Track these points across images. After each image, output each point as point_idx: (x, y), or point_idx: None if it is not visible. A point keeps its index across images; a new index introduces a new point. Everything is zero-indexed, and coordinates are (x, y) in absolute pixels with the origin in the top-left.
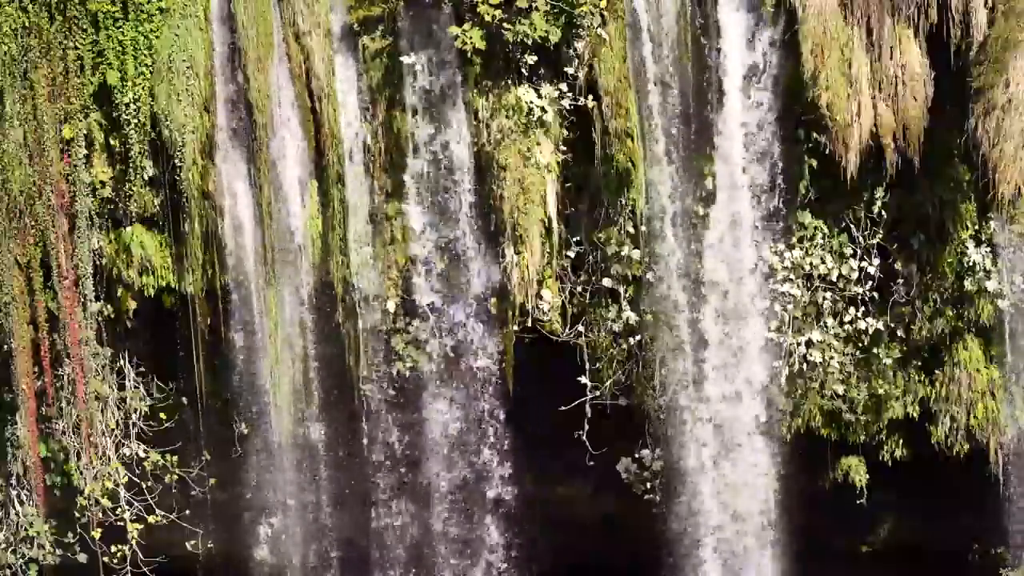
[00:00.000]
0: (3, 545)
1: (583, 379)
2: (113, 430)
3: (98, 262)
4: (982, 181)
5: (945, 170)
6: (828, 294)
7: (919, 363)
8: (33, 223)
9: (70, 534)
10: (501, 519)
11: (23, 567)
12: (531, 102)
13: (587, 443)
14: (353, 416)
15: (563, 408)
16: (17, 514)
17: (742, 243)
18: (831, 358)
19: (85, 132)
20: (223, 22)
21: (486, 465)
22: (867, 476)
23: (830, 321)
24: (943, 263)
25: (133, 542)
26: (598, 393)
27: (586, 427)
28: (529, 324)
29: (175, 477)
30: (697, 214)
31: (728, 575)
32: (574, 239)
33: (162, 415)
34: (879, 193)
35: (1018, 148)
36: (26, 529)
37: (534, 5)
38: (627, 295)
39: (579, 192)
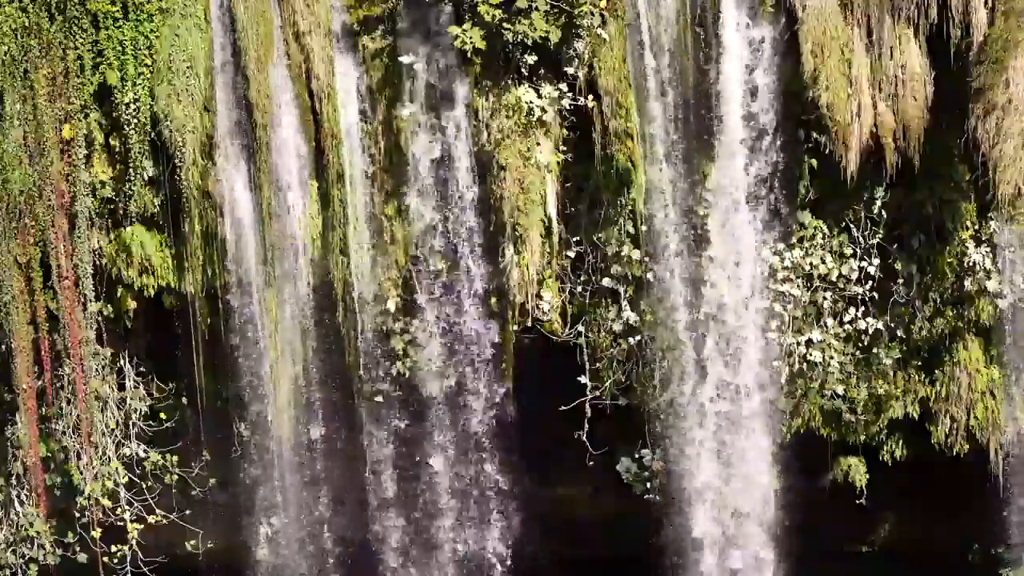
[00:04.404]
0: (3, 545)
1: (583, 379)
2: (113, 430)
3: (98, 262)
4: (982, 181)
5: (945, 170)
6: (828, 294)
7: (919, 363)
8: (33, 223)
9: (70, 534)
10: (501, 519)
11: (23, 567)
12: (531, 102)
13: (587, 443)
14: (353, 416)
15: (563, 408)
16: (17, 514)
17: (742, 243)
18: (831, 358)
19: (85, 132)
20: (223, 22)
21: (486, 465)
22: (867, 476)
23: (830, 321)
24: (943, 263)
25: (133, 542)
26: (598, 393)
27: (586, 427)
28: (529, 324)
29: (175, 477)
30: (697, 214)
31: (728, 575)
32: (574, 239)
33: (162, 415)
34: (879, 193)
35: (1018, 148)
36: (26, 529)
37: (534, 5)
38: (627, 295)
39: (579, 192)
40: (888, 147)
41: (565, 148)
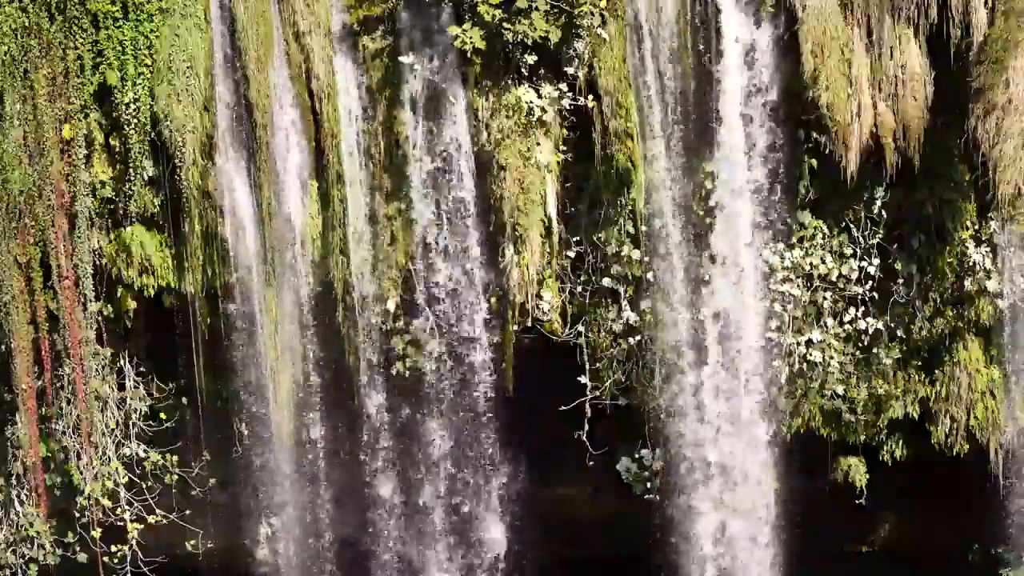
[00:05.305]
0: (3, 545)
1: (583, 379)
2: (113, 430)
3: (98, 262)
4: (982, 181)
5: (945, 170)
6: (828, 294)
7: (919, 363)
8: (33, 223)
9: (70, 534)
10: (502, 519)
11: (23, 567)
12: (531, 102)
13: (587, 443)
14: (353, 416)
15: (563, 408)
16: (17, 514)
17: (742, 242)
18: (831, 358)
19: (85, 132)
20: (223, 22)
21: (486, 465)
22: (867, 476)
23: (830, 321)
24: (943, 263)
25: (133, 542)
26: (598, 393)
27: (586, 427)
28: (529, 324)
29: (175, 477)
30: (697, 214)
31: (728, 575)
32: (574, 239)
33: (162, 415)
34: (879, 193)
35: (1018, 148)
36: (26, 529)
37: (534, 5)
38: (627, 295)
39: (579, 192)
40: (888, 147)
41: (565, 148)
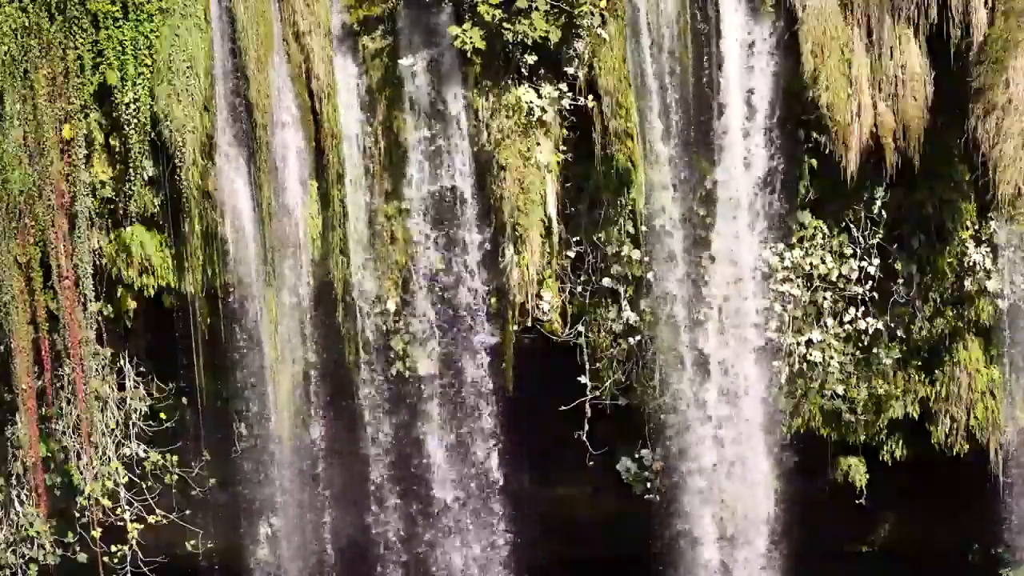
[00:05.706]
0: (3, 545)
1: (583, 379)
2: (113, 430)
3: (98, 262)
4: (982, 181)
5: (945, 170)
6: (828, 294)
7: (919, 363)
8: (33, 223)
9: (70, 534)
10: (501, 519)
11: (23, 567)
12: (531, 102)
13: (587, 443)
14: (353, 416)
15: (563, 408)
16: (17, 514)
17: (742, 243)
18: (831, 358)
19: (85, 132)
20: (223, 22)
21: (486, 465)
22: (867, 476)
23: (830, 321)
24: (943, 263)
25: (133, 542)
26: (598, 393)
27: (586, 427)
28: (529, 324)
29: (175, 477)
30: (697, 214)
31: (728, 575)
32: (574, 239)
33: (162, 415)
34: (879, 193)
35: (1018, 148)
36: (26, 529)
37: (534, 5)
38: (627, 295)
39: (579, 192)
40: (888, 147)
41: (565, 148)
